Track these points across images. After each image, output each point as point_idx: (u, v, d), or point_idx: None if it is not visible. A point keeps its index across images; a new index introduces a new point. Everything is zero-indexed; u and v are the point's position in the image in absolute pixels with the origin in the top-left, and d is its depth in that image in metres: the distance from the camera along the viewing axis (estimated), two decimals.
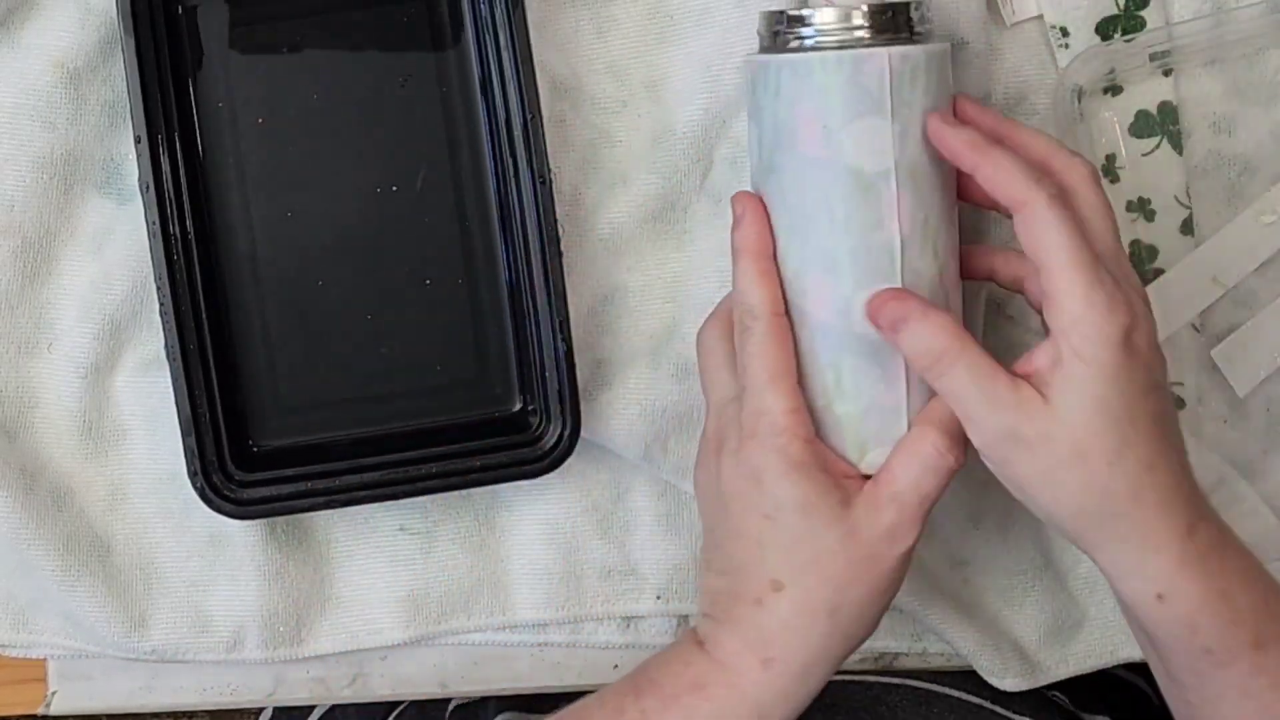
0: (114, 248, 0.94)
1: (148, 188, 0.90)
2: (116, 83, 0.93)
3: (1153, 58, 0.94)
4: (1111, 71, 0.94)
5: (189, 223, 0.91)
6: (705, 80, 0.94)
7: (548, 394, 0.92)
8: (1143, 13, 0.94)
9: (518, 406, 0.94)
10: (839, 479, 0.82)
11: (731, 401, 0.84)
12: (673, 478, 0.95)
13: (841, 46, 0.82)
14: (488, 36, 0.92)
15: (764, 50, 0.86)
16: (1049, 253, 0.77)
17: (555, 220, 0.90)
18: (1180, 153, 0.95)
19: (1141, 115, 0.95)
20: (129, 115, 0.90)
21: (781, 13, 0.85)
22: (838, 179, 0.82)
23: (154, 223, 0.90)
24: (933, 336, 0.79)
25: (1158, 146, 0.95)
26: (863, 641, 0.83)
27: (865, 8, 0.83)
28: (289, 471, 0.93)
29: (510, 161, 0.91)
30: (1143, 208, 0.95)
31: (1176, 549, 0.78)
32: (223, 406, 0.92)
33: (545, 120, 0.91)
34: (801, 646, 0.81)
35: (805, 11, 0.84)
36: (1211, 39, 0.94)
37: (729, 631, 0.83)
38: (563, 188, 0.94)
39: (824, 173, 0.82)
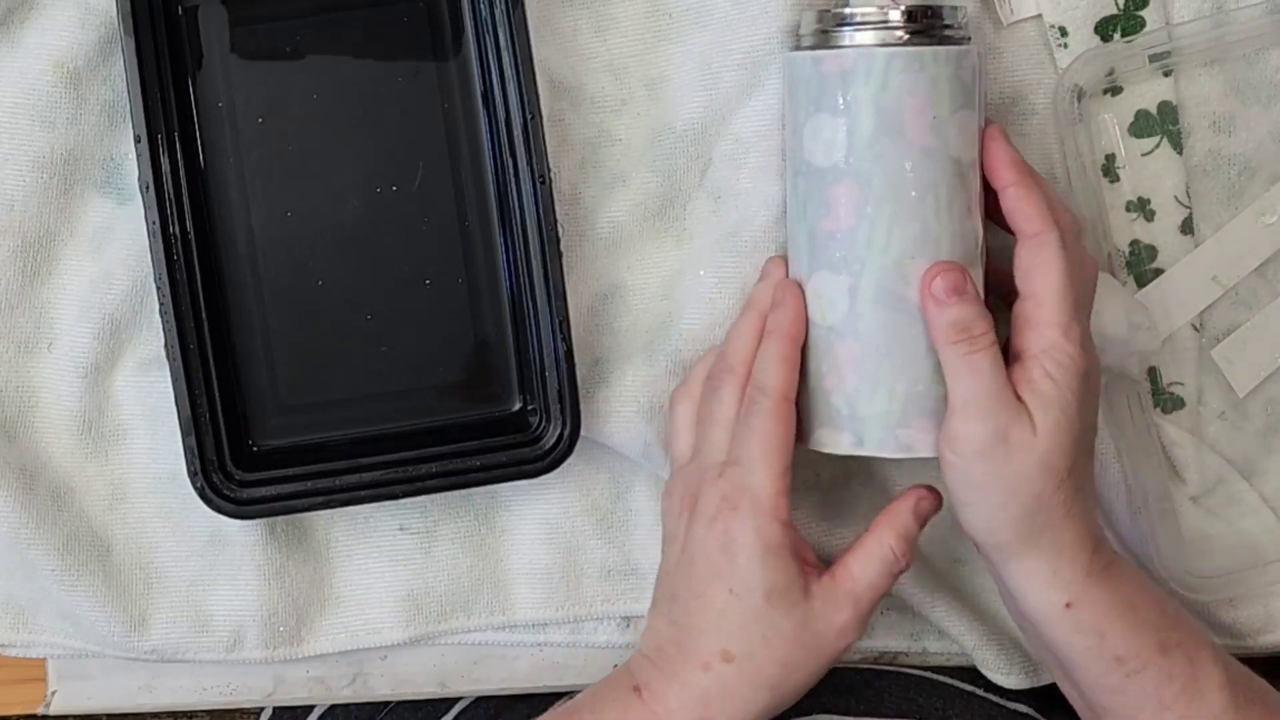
0: (114, 247, 0.94)
1: (148, 187, 0.90)
2: (116, 82, 0.93)
3: (1153, 58, 0.94)
4: (1111, 72, 0.94)
5: (189, 222, 0.91)
6: (704, 78, 0.94)
7: (547, 394, 0.92)
8: (1142, 13, 0.94)
9: (517, 406, 0.94)
10: (803, 566, 0.85)
11: (718, 465, 0.86)
12: None
13: (938, 41, 0.87)
14: (487, 36, 0.92)
15: (801, 47, 0.89)
16: (1045, 282, 0.84)
17: (555, 219, 0.91)
18: (1180, 152, 0.95)
19: (1141, 115, 0.95)
20: (129, 115, 0.90)
21: (826, 11, 0.88)
22: (944, 167, 0.86)
23: (154, 222, 0.90)
24: (980, 313, 0.83)
25: (1157, 146, 0.95)
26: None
27: (946, 6, 0.87)
28: (289, 471, 0.93)
29: (510, 161, 0.91)
30: (1142, 207, 0.95)
31: (1085, 560, 0.84)
32: (222, 406, 0.92)
33: (544, 120, 0.91)
34: (738, 714, 0.84)
35: (877, 7, 0.87)
36: (1211, 39, 0.94)
37: (671, 687, 0.85)
38: (562, 187, 0.94)
39: (933, 160, 0.86)
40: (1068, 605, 0.83)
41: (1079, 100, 0.93)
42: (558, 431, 0.92)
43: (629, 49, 0.95)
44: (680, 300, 0.94)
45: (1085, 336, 0.84)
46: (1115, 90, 0.95)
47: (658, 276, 0.96)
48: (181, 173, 0.91)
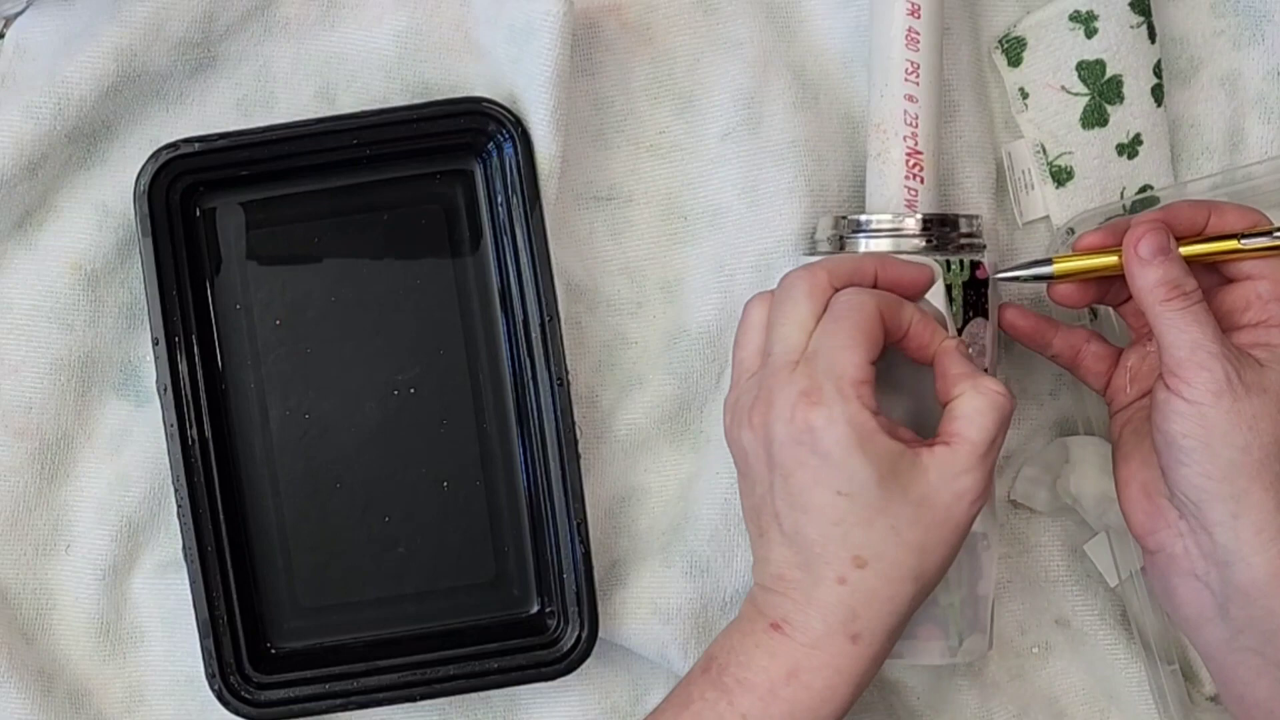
0: (131, 449, 0.95)
1: (165, 389, 0.91)
2: (134, 284, 0.94)
3: None
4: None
5: (207, 425, 0.92)
6: (719, 279, 0.94)
7: (565, 596, 0.92)
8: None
9: (535, 608, 0.94)
10: (908, 444, 0.81)
11: (791, 363, 0.82)
12: None
13: (953, 250, 0.88)
14: (505, 238, 0.92)
15: (817, 253, 0.90)
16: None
17: (573, 422, 0.91)
18: None
19: None
20: (147, 317, 0.91)
21: (842, 218, 0.89)
22: None
23: (171, 424, 0.90)
24: (1186, 271, 0.84)
25: None
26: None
27: (962, 215, 0.89)
28: (307, 673, 0.93)
29: (528, 363, 0.92)
30: None
31: None
32: (240, 608, 0.92)
33: (561, 322, 0.91)
34: (889, 615, 0.81)
35: (892, 215, 0.88)
36: None
37: (810, 613, 0.81)
38: (579, 389, 0.94)
39: None
40: None
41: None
42: (576, 633, 0.92)
43: (644, 252, 0.96)
44: (697, 502, 0.95)
45: None
46: None
47: (675, 479, 0.96)
48: (199, 375, 0.92)
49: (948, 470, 0.80)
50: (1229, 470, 0.82)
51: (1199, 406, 0.81)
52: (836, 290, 0.83)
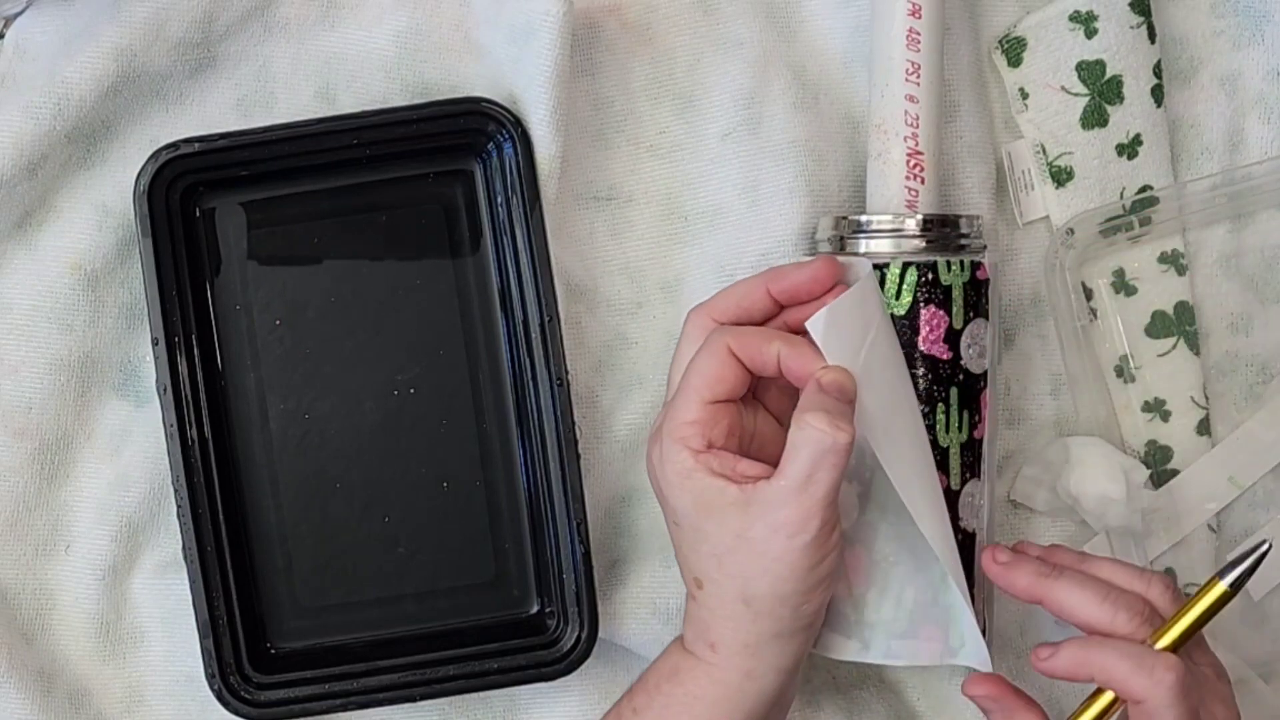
0: (131, 450, 0.95)
1: (165, 390, 0.90)
2: (134, 285, 0.94)
3: (1162, 259, 0.95)
4: (1121, 270, 0.95)
5: (206, 425, 0.92)
6: (719, 279, 0.94)
7: (565, 596, 0.92)
8: (1149, 211, 0.95)
9: (535, 608, 0.94)
10: (737, 480, 0.82)
11: (666, 403, 0.86)
12: None
13: (953, 250, 0.88)
14: (505, 238, 0.92)
15: (817, 253, 0.90)
16: None
17: (573, 422, 0.91)
18: (1197, 353, 0.96)
19: (1158, 315, 0.96)
20: (147, 317, 0.91)
21: (843, 218, 0.90)
22: (955, 378, 0.87)
23: (171, 425, 0.90)
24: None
25: (1174, 347, 0.96)
26: (804, 618, 0.83)
27: (964, 216, 0.89)
28: (307, 673, 0.93)
29: (528, 363, 0.92)
30: (1158, 408, 0.95)
31: None
32: (240, 608, 0.92)
33: (561, 322, 0.91)
34: (734, 631, 0.83)
35: (893, 215, 0.88)
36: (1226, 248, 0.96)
37: (687, 625, 0.86)
38: (579, 389, 0.94)
39: (944, 371, 0.87)
40: None
41: (1089, 299, 0.94)
42: (576, 634, 0.92)
43: (645, 252, 0.96)
44: None
45: None
46: (1130, 290, 0.96)
47: None
48: (199, 375, 0.92)
49: (765, 504, 0.81)
50: None
51: None
52: (721, 325, 0.86)
